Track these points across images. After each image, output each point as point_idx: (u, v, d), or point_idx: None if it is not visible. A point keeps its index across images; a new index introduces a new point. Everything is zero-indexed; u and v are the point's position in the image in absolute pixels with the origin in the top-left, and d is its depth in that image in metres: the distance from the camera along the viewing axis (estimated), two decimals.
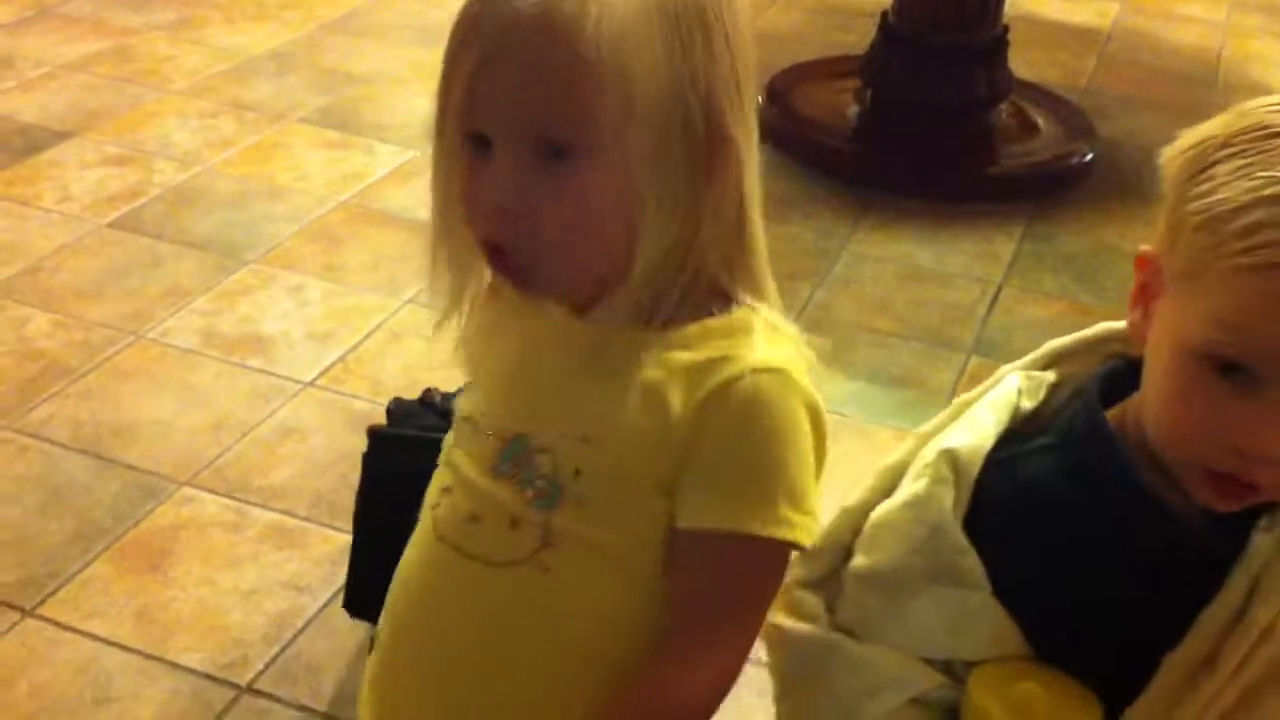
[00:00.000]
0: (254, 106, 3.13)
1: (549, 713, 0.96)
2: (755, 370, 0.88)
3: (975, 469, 0.90)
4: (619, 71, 0.86)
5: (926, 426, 0.97)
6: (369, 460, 1.63)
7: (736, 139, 0.91)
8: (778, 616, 0.99)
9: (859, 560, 0.95)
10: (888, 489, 0.96)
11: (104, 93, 3.14)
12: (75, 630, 1.73)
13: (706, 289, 0.92)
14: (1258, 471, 0.80)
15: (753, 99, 0.94)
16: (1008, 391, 0.94)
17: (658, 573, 0.92)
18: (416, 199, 2.77)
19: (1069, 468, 0.88)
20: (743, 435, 0.88)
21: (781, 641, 0.98)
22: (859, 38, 3.36)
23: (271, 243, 2.59)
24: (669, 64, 0.87)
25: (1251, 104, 0.82)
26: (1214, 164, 0.79)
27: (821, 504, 0.90)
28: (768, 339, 0.91)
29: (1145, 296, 0.86)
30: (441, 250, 0.95)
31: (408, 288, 2.47)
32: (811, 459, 0.90)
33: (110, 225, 2.61)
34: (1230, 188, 0.77)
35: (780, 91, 3.26)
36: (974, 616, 0.88)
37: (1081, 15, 4.13)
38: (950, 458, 0.90)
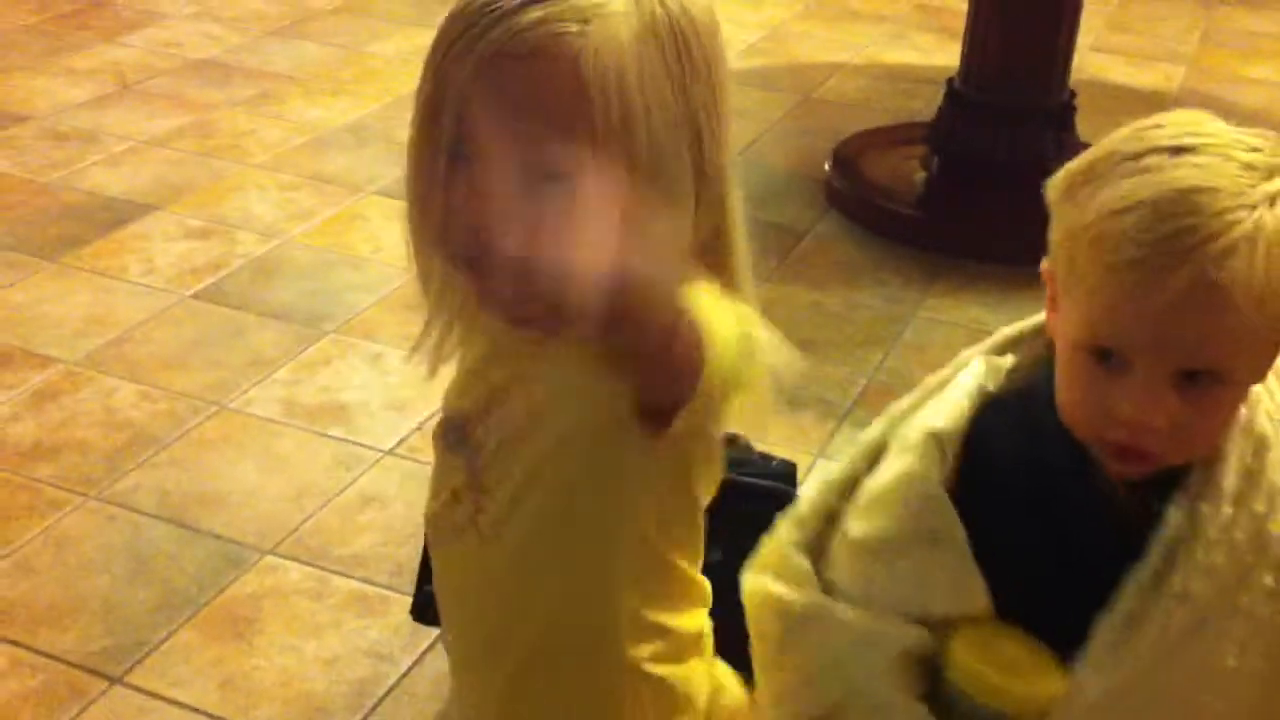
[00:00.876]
0: (332, 179, 3.20)
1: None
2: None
3: (955, 443, 1.02)
4: (619, 97, 0.87)
5: (897, 406, 1.08)
6: None
7: (723, 163, 0.94)
8: (769, 581, 1.07)
9: (855, 528, 1.04)
10: (868, 461, 1.06)
11: (186, 167, 3.23)
12: (162, 698, 1.77)
13: None
14: (1146, 440, 0.93)
15: (731, 127, 0.96)
16: (976, 376, 1.05)
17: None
18: None
19: (1025, 440, 1.01)
20: None
21: (774, 608, 1.06)
22: (922, 104, 3.39)
23: (351, 312, 2.64)
24: (663, 92, 0.90)
25: (1112, 135, 0.97)
26: (1076, 188, 0.95)
27: None
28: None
29: (1054, 301, 1.00)
30: (424, 265, 0.99)
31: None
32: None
33: (194, 296, 2.68)
34: (1087, 207, 0.93)
35: (847, 158, 3.29)
36: (945, 573, 1.00)
37: (1147, 79, 4.14)
38: (936, 438, 1.02)
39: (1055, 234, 0.98)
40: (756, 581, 1.08)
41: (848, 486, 1.07)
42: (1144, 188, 0.90)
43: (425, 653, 1.84)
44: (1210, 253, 0.87)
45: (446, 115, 0.89)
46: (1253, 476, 0.97)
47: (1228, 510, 0.96)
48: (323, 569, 1.98)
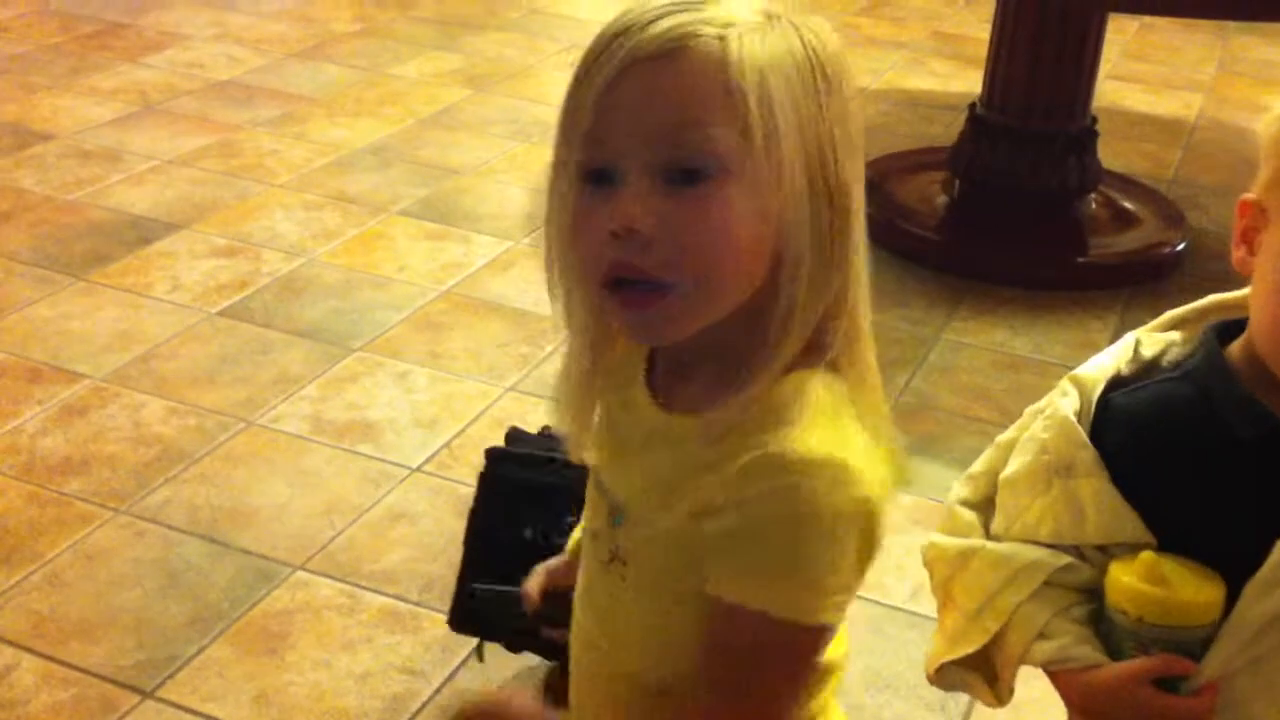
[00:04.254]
0: (356, 199, 3.21)
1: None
2: (795, 461, 0.86)
3: (1096, 387, 1.06)
4: (761, 101, 0.86)
5: (1069, 375, 1.11)
6: (484, 477, 1.68)
7: (855, 193, 0.92)
8: (933, 534, 1.13)
9: (1004, 472, 1.10)
10: (1003, 459, 1.11)
11: (211, 186, 3.24)
12: (195, 712, 1.76)
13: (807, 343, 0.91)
14: None
15: (860, 168, 0.94)
16: (1127, 343, 1.10)
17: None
18: (515, 288, 2.83)
19: (1189, 389, 1.04)
20: (774, 522, 0.86)
21: (934, 557, 1.12)
22: (941, 129, 3.40)
23: (377, 331, 2.65)
24: (804, 107, 0.88)
25: None
26: None
27: (856, 584, 0.90)
28: (828, 418, 0.89)
29: (1249, 235, 1.03)
30: (561, 293, 0.95)
31: (509, 375, 2.51)
32: (847, 548, 0.87)
33: (220, 314, 2.68)
34: None
35: (870, 182, 3.28)
36: (1095, 502, 1.03)
37: (1167, 107, 4.15)
38: (1073, 379, 1.08)
39: (1271, 159, 1.01)
40: (928, 540, 1.14)
41: (1011, 448, 1.11)
42: None
43: (458, 669, 1.83)
44: None
45: (584, 133, 0.88)
46: None
47: None
48: (354, 585, 1.98)
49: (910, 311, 2.84)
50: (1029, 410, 1.13)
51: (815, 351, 0.91)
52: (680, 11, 0.88)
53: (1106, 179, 3.24)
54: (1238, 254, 1.05)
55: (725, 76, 0.86)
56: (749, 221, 0.88)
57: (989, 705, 1.14)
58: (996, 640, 1.08)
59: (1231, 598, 1.01)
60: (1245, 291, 1.08)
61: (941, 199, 3.29)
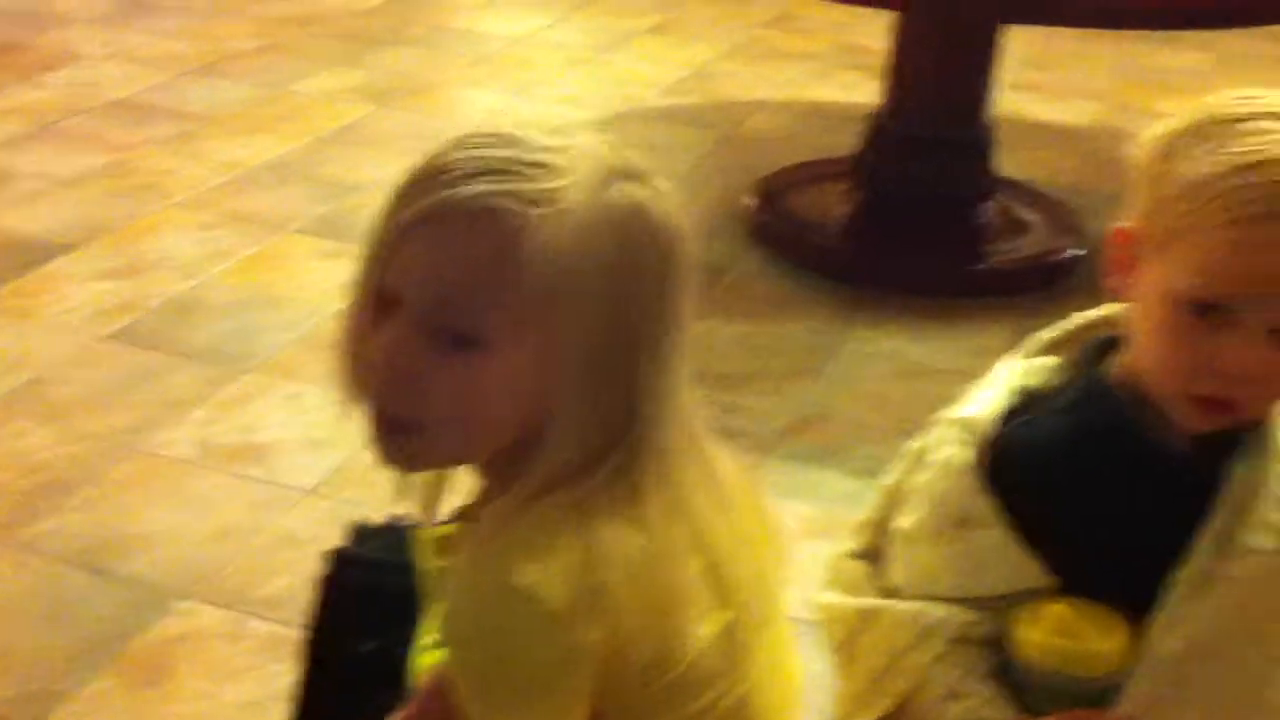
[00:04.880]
0: (252, 218, 3.17)
1: None
2: (501, 586, 0.89)
3: (986, 431, 1.05)
4: (546, 292, 0.87)
5: (943, 413, 1.11)
6: (325, 582, 1.53)
7: (658, 387, 0.92)
8: (828, 594, 1.12)
9: (899, 523, 1.09)
10: (914, 467, 1.10)
11: (103, 206, 3.18)
12: None
13: None
14: (1236, 390, 0.97)
15: (680, 352, 0.95)
16: (1011, 374, 1.10)
17: None
18: None
19: (1080, 420, 1.04)
20: (467, 633, 0.92)
21: (832, 617, 1.11)
22: (844, 139, 3.41)
23: (269, 352, 2.61)
24: (598, 298, 0.89)
25: (1209, 99, 0.99)
26: (1185, 148, 0.97)
27: (546, 707, 0.92)
28: (546, 543, 0.90)
29: (1123, 264, 1.03)
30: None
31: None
32: (531, 669, 0.90)
33: (110, 337, 2.63)
34: (1202, 163, 0.95)
35: (771, 193, 3.30)
36: (996, 553, 1.02)
37: (1063, 115, 4.20)
38: (963, 423, 1.07)
39: (1155, 193, 0.99)
40: (820, 598, 1.12)
41: (896, 492, 1.11)
42: (1270, 145, 0.93)
43: None
44: None
45: (379, 260, 0.91)
46: None
47: None
48: (240, 612, 1.94)
49: (811, 322, 2.84)
50: (942, 418, 1.11)
51: (588, 476, 0.92)
52: (499, 175, 0.88)
53: (1004, 187, 3.27)
54: (1112, 282, 1.05)
55: (515, 260, 0.87)
56: (506, 394, 0.91)
57: None
58: (904, 701, 1.07)
59: (1137, 632, 1.01)
60: (1111, 308, 1.08)
61: (843, 209, 3.30)
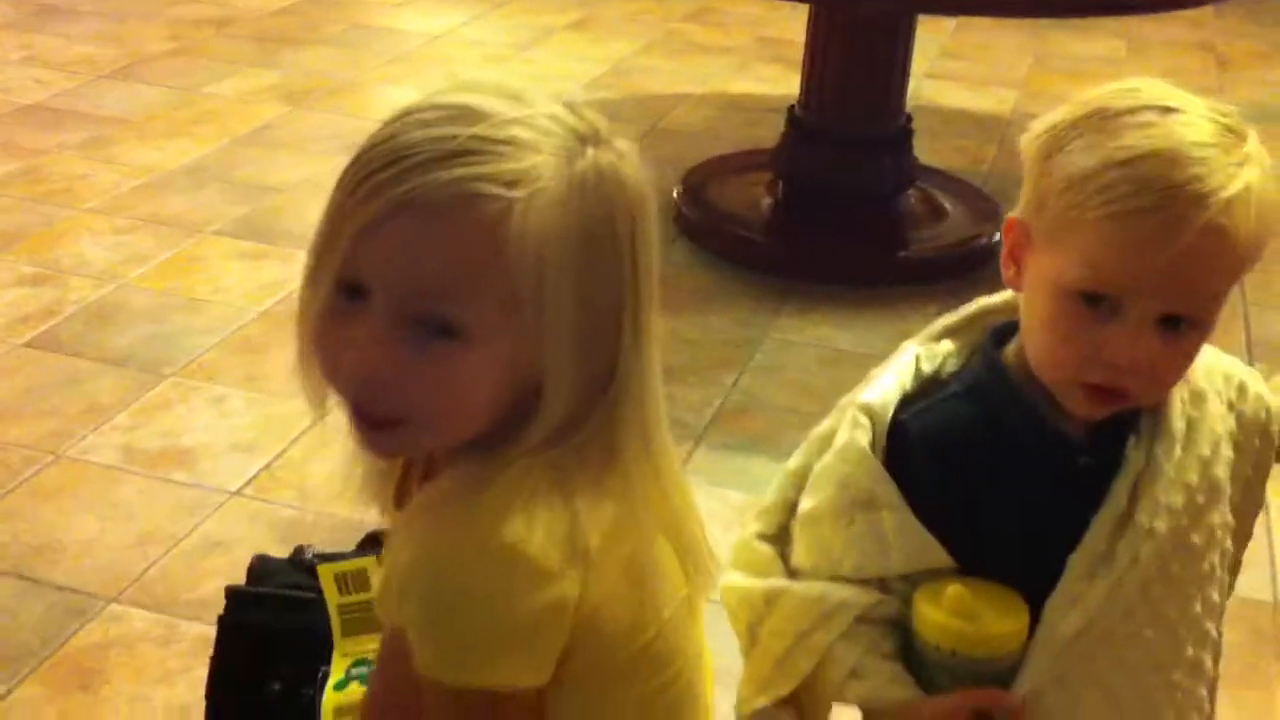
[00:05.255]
0: (169, 221, 3.13)
1: None
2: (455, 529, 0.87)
3: (886, 415, 1.06)
4: (535, 276, 0.85)
5: (846, 398, 1.11)
6: (225, 623, 1.50)
7: (628, 358, 0.91)
8: (735, 577, 1.11)
9: (802, 506, 1.09)
10: (820, 450, 1.10)
11: (16, 213, 3.12)
12: None
13: None
14: (1126, 380, 0.98)
15: (651, 321, 0.94)
16: (908, 359, 1.10)
17: None
18: None
19: (977, 407, 1.05)
20: (421, 583, 0.88)
21: (737, 601, 1.11)
22: (767, 131, 3.43)
23: (191, 355, 2.57)
24: (586, 275, 0.87)
25: (1090, 94, 1.00)
26: (1068, 141, 0.98)
27: (521, 663, 0.91)
28: (524, 502, 0.88)
29: (1016, 255, 1.04)
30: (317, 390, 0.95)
31: (331, 395, 2.45)
32: (493, 613, 0.88)
33: (27, 345, 2.58)
34: (1085, 156, 0.96)
35: (694, 187, 3.31)
36: (897, 534, 1.03)
37: (982, 104, 4.25)
38: (863, 408, 1.07)
39: (1040, 185, 1.00)
40: (726, 580, 1.12)
41: (803, 476, 1.10)
42: (1150, 139, 0.94)
43: None
44: (1219, 201, 0.93)
45: (340, 251, 0.86)
46: (1194, 423, 1.05)
47: (1179, 452, 1.03)
48: (170, 615, 1.92)
49: (737, 313, 2.86)
50: (844, 402, 1.12)
51: (564, 440, 0.91)
52: (471, 158, 0.84)
53: (924, 175, 3.31)
54: (1007, 273, 1.06)
55: (502, 247, 0.84)
56: (491, 381, 0.88)
57: None
58: (808, 681, 1.07)
59: (1035, 613, 1.02)
60: (1009, 294, 1.09)
61: (765, 201, 3.32)
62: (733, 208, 3.27)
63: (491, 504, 0.87)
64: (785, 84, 4.21)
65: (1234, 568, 1.13)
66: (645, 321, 0.93)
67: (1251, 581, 2.12)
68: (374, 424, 0.90)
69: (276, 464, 2.26)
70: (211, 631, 1.86)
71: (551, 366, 0.88)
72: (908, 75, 3.22)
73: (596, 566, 0.90)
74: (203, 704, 1.76)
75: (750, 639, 1.12)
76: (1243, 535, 1.13)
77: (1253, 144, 0.97)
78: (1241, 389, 1.10)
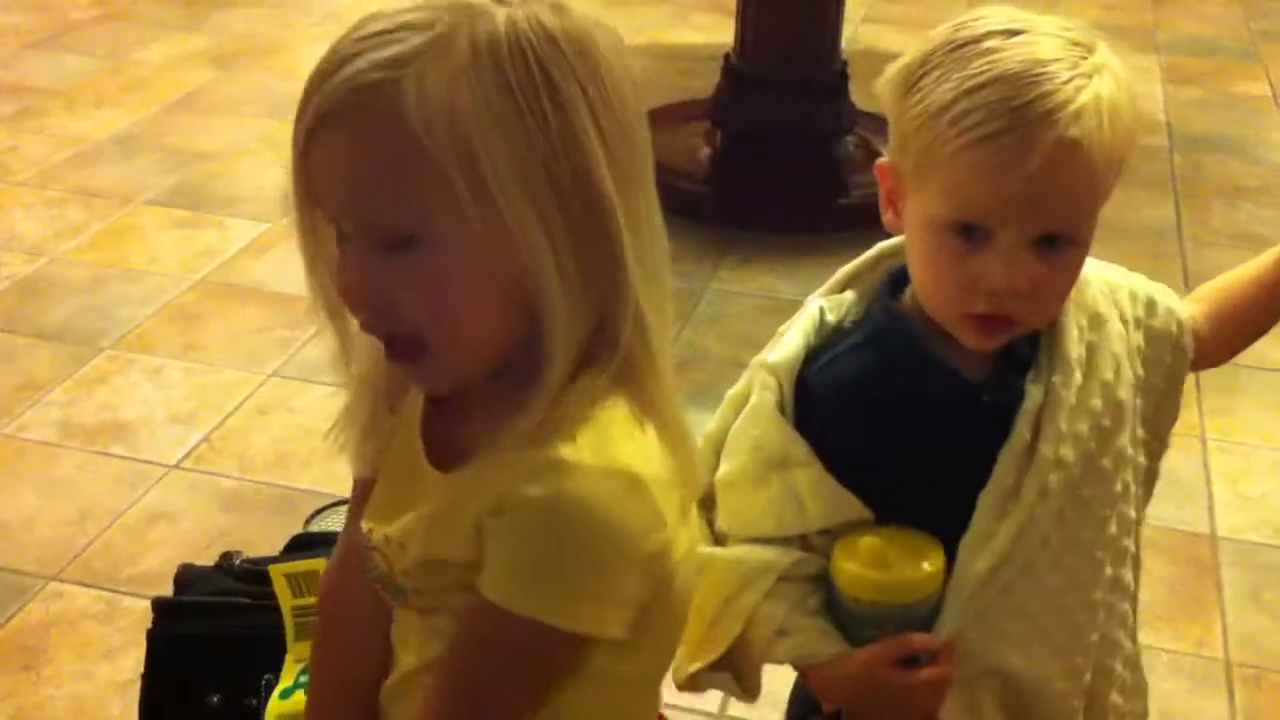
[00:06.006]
0: (101, 192, 3.08)
1: None
2: (576, 466, 0.81)
3: (792, 370, 1.06)
4: (453, 147, 0.77)
5: (758, 357, 1.10)
6: (153, 637, 1.39)
7: (611, 199, 0.82)
8: None
9: (720, 470, 1.08)
10: (736, 412, 1.09)
11: None
12: None
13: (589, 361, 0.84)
14: (1010, 306, 0.98)
15: (636, 156, 0.85)
16: (811, 313, 1.10)
17: None
18: (273, 271, 2.75)
19: (876, 354, 1.05)
20: (542, 523, 0.81)
21: None
22: (703, 82, 3.41)
23: (127, 327, 2.54)
24: (518, 131, 0.79)
25: (933, 31, 1.00)
26: (919, 79, 0.98)
27: (640, 598, 0.85)
28: (617, 428, 0.83)
29: (892, 199, 1.04)
30: (326, 325, 0.89)
31: (270, 361, 2.44)
32: (621, 558, 0.83)
33: None
34: (936, 91, 0.96)
35: None
36: (812, 491, 1.03)
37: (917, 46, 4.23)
38: (768, 368, 1.07)
39: (899, 127, 1.00)
40: None
41: (721, 439, 1.10)
42: (994, 65, 0.94)
43: None
44: (1067, 115, 0.93)
45: (299, 177, 0.82)
46: (1094, 348, 1.05)
47: (1079, 377, 1.03)
48: (112, 591, 1.90)
49: (679, 264, 2.82)
50: (753, 363, 1.10)
51: (597, 360, 0.84)
52: (358, 57, 0.78)
53: (863, 120, 3.30)
54: (886, 217, 1.06)
55: (409, 132, 0.77)
56: (472, 282, 0.81)
57: (741, 700, 1.13)
58: (739, 643, 1.07)
59: (951, 555, 1.02)
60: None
61: (704, 151, 3.31)
62: (671, 159, 3.25)
63: (580, 426, 0.82)
64: (723, 32, 4.18)
65: (1149, 479, 1.13)
66: (638, 203, 0.84)
67: (1188, 515, 2.15)
68: (400, 356, 0.85)
69: (216, 434, 2.24)
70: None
71: (528, 261, 0.80)
72: (841, 17, 3.20)
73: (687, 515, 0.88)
74: None
75: None
76: (1159, 447, 1.13)
77: (1102, 54, 0.97)
78: (1150, 304, 1.10)
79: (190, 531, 2.01)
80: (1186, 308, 1.13)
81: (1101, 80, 0.95)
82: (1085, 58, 0.96)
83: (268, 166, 3.20)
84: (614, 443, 0.83)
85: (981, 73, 0.94)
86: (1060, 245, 0.97)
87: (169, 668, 1.37)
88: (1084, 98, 0.94)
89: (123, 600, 1.89)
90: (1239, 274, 1.15)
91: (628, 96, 0.85)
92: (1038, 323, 1.03)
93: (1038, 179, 0.93)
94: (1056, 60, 0.95)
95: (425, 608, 0.91)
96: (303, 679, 1.20)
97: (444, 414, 0.91)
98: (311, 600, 1.22)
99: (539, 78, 0.79)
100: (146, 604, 1.84)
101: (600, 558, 0.83)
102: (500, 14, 0.80)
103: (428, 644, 0.92)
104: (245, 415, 2.29)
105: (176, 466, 2.16)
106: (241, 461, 2.17)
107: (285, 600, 1.25)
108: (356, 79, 0.77)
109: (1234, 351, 1.17)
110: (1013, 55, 0.95)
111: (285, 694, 1.21)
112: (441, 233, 0.79)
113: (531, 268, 0.80)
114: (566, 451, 0.81)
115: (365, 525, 0.93)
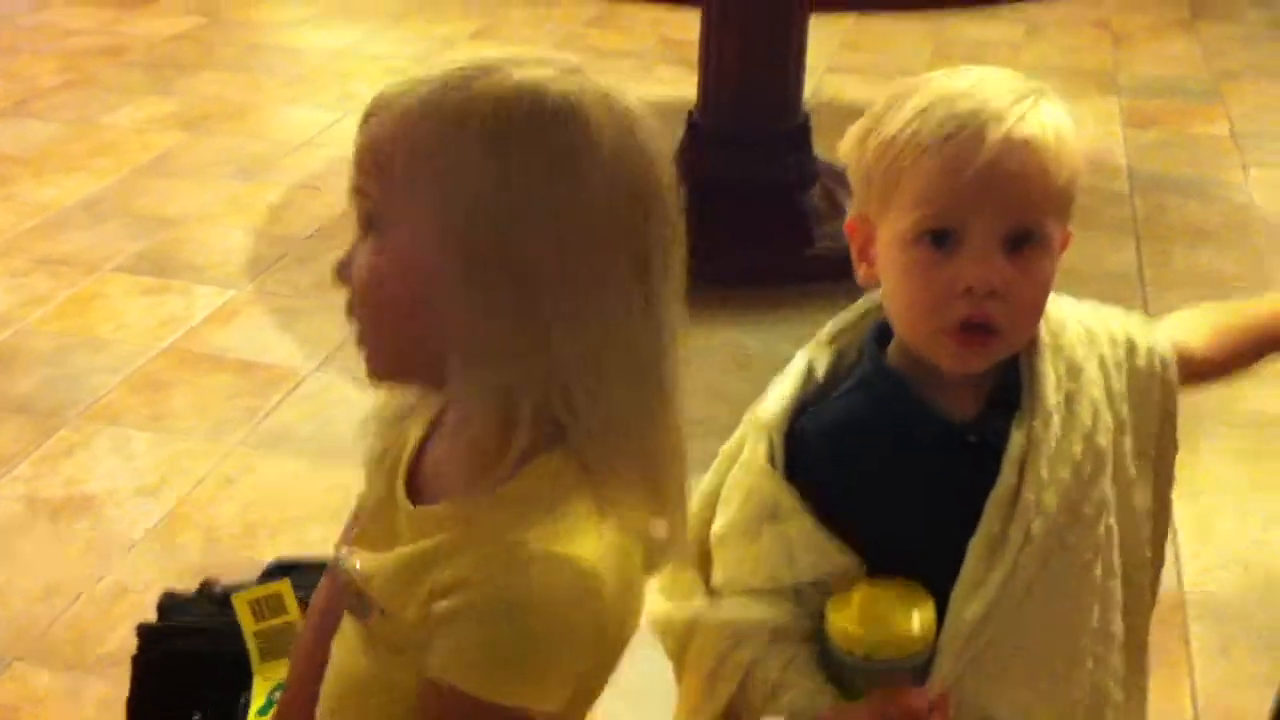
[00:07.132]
0: (67, 260, 3.08)
1: None
2: (532, 553, 0.85)
3: (780, 425, 1.08)
4: (395, 155, 0.88)
5: (750, 411, 1.13)
6: (139, 661, 1.46)
7: (540, 276, 0.87)
8: (660, 602, 1.13)
9: (714, 525, 1.11)
10: (731, 466, 1.12)
11: None
12: None
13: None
14: (989, 309, 1.01)
15: (598, 249, 0.90)
16: (799, 366, 1.13)
17: None
18: (240, 338, 2.75)
19: (865, 401, 1.08)
20: (495, 606, 0.86)
21: (664, 629, 1.13)
22: (669, 135, 3.43)
23: (93, 397, 2.54)
24: (455, 170, 0.86)
25: (893, 87, 1.07)
26: (871, 132, 1.05)
27: (568, 682, 0.89)
28: (572, 514, 0.88)
29: (864, 251, 1.08)
30: None
31: (237, 429, 2.44)
32: (573, 648, 0.87)
33: None
34: (892, 123, 1.03)
35: None
36: (801, 542, 1.05)
37: (882, 95, 4.27)
38: (759, 423, 1.09)
39: (860, 169, 1.06)
40: (652, 606, 1.12)
41: (716, 495, 1.12)
42: (944, 90, 1.02)
43: None
44: (1014, 117, 1.00)
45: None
46: (1073, 396, 1.07)
47: (1057, 424, 1.06)
48: (79, 671, 1.89)
49: None
50: (746, 417, 1.13)
51: (552, 439, 0.88)
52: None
53: (826, 172, 3.32)
54: (860, 272, 1.09)
55: (371, 160, 0.90)
56: (398, 274, 0.88)
57: None
58: (735, 701, 1.08)
59: (942, 601, 1.04)
60: None
61: None
62: None
63: (541, 512, 0.87)
64: (688, 86, 4.20)
65: (1160, 516, 1.15)
66: (596, 295, 0.89)
67: None
68: (358, 338, 0.94)
69: (182, 506, 2.23)
70: (121, 691, 1.85)
71: (434, 277, 0.87)
72: (804, 70, 3.22)
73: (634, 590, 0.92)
74: None
75: (680, 666, 1.13)
76: (1165, 482, 1.15)
77: (1048, 95, 1.03)
78: (1131, 347, 1.12)
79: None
80: (1167, 336, 1.15)
81: (1049, 105, 1.02)
82: (1031, 94, 1.02)
83: (234, 230, 3.20)
84: (570, 535, 0.87)
85: (935, 94, 1.02)
86: (1028, 247, 1.01)
87: (153, 690, 1.43)
88: (1030, 112, 1.00)
89: (89, 680, 1.88)
90: (1257, 303, 1.22)
91: (604, 183, 0.91)
92: (1015, 339, 1.05)
93: (992, 174, 0.98)
94: (998, 84, 1.02)
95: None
96: (275, 695, 1.29)
97: (433, 440, 0.98)
98: (276, 622, 1.33)
99: (496, 138, 0.86)
100: (112, 686, 1.85)
101: (549, 647, 0.87)
102: (466, 81, 0.88)
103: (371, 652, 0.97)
104: (211, 485, 2.28)
105: (142, 541, 2.15)
106: (208, 533, 2.17)
107: (248, 626, 1.34)
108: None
109: (1240, 368, 1.21)
110: (960, 81, 1.03)
111: (262, 711, 1.29)
112: (387, 226, 0.89)
113: (445, 299, 0.87)
114: (524, 538, 0.86)
115: (343, 549, 0.99)
